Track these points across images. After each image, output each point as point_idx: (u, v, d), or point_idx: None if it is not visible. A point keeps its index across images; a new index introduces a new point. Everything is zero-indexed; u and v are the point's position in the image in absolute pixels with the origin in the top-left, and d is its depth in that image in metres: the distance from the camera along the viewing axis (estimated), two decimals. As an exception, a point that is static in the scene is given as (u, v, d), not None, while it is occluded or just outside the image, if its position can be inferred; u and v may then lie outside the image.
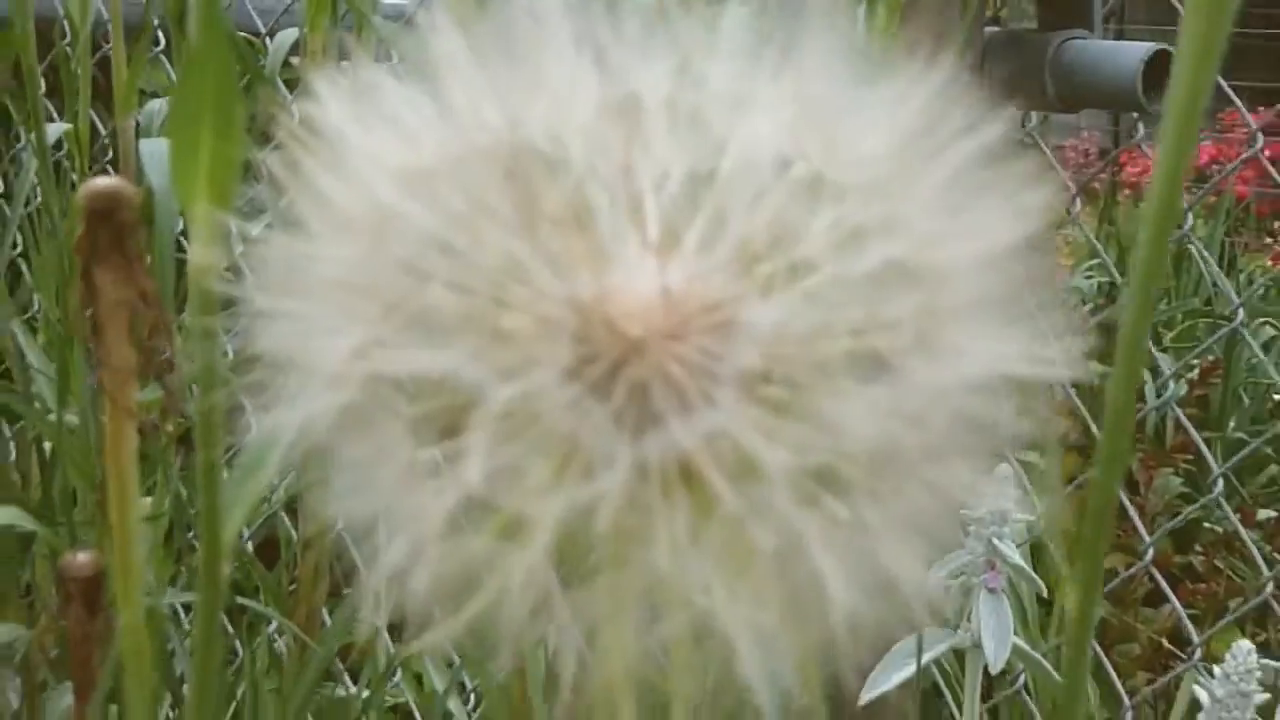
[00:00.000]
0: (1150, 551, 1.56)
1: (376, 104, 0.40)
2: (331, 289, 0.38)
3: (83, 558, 0.71)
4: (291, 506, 1.46)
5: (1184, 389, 2.71)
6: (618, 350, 0.38)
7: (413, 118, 0.40)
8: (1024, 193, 0.39)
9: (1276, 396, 2.91)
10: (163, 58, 1.82)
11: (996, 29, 1.57)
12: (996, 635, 1.05)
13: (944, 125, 0.39)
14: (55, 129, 1.44)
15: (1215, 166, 4.04)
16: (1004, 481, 1.00)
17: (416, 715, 1.58)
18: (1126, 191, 4.53)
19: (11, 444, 1.43)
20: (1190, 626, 1.65)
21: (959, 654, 1.27)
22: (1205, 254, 2.64)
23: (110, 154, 1.68)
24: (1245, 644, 1.05)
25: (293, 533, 1.46)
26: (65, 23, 1.44)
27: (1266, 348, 3.02)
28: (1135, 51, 1.44)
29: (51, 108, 1.66)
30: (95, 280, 0.58)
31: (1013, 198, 0.39)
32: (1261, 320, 3.12)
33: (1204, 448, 1.76)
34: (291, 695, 1.08)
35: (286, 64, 1.29)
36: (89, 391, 1.07)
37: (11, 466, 1.40)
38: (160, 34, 1.72)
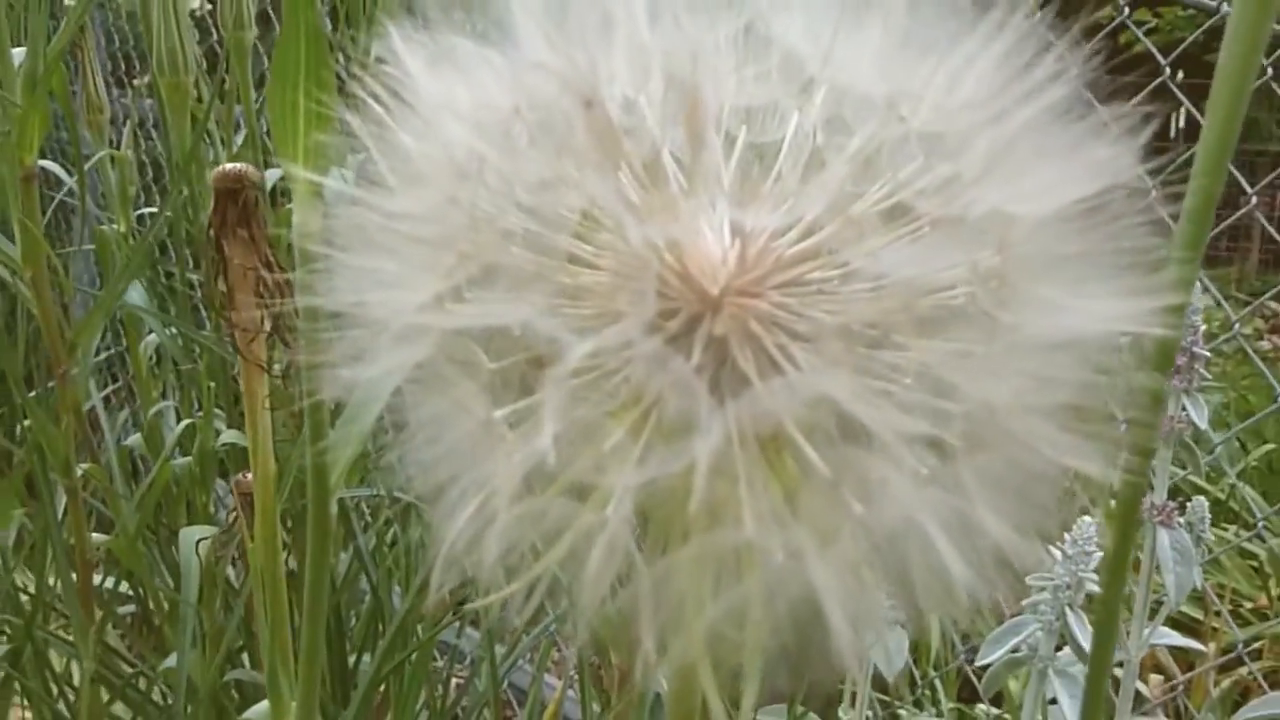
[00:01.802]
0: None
1: (451, 57, 0.26)
2: (404, 241, 0.25)
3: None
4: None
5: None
6: (697, 305, 0.24)
7: (487, 70, 0.26)
8: (1118, 140, 0.25)
9: None
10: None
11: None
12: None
13: (1035, 70, 0.25)
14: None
15: None
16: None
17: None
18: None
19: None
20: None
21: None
22: None
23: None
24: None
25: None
26: None
27: None
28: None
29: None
30: (225, 251, 0.45)
31: (1107, 144, 0.25)
32: None
33: None
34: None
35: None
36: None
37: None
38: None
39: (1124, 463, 0.26)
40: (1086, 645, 0.74)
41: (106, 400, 1.39)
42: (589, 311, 0.24)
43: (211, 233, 0.45)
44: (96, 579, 1.01)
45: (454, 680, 1.09)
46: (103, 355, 1.53)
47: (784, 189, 0.24)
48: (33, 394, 0.86)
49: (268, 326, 0.46)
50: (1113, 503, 0.33)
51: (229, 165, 0.45)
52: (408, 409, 0.25)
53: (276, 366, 0.47)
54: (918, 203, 0.23)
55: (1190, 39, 1.16)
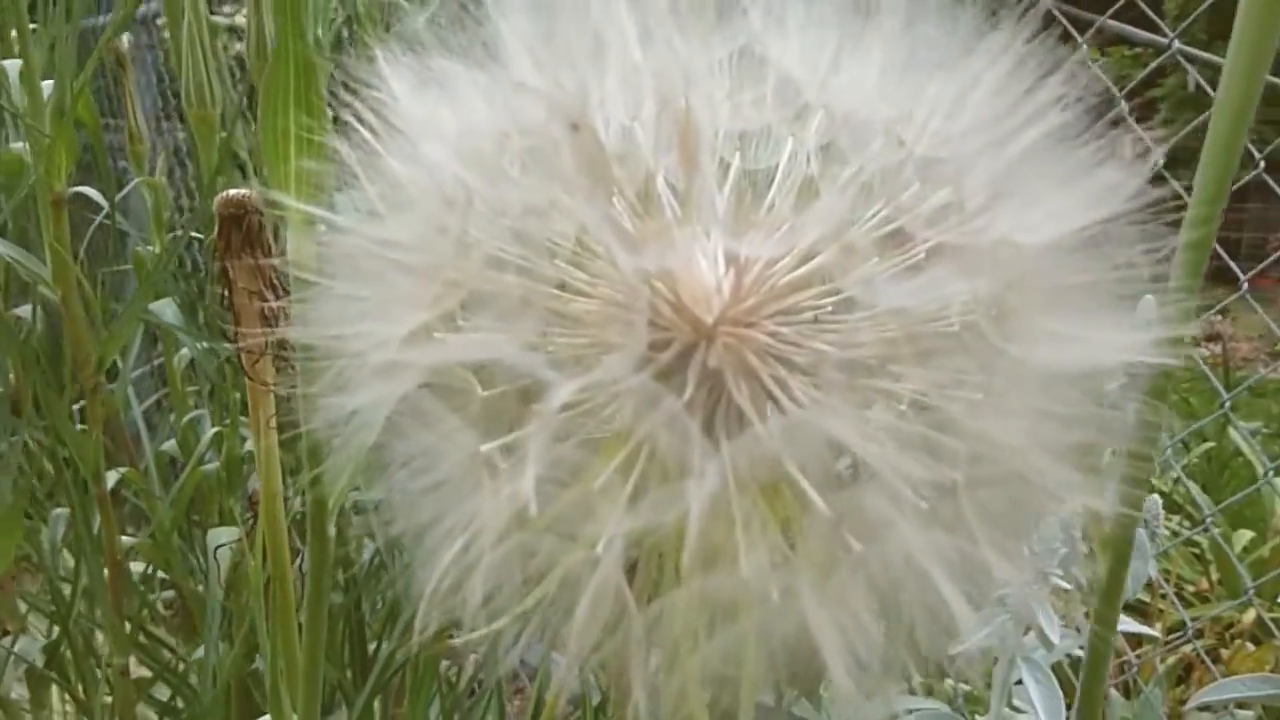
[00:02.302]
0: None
1: (438, 80, 0.23)
2: (391, 269, 0.22)
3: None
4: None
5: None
6: (691, 336, 0.21)
7: (474, 93, 0.23)
8: (1118, 167, 0.21)
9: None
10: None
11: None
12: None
13: (1036, 94, 0.22)
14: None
15: None
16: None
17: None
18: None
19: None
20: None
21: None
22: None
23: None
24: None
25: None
26: None
27: None
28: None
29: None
30: (230, 274, 0.41)
31: (1107, 172, 0.21)
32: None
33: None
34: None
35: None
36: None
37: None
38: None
39: (1123, 496, 0.22)
40: (1052, 635, 0.71)
41: (156, 405, 1.35)
42: (581, 340, 0.21)
43: (217, 257, 0.42)
44: (139, 568, 0.98)
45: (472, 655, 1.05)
46: (147, 367, 1.50)
47: (779, 216, 0.21)
48: (78, 405, 0.83)
49: (273, 348, 0.43)
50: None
51: (232, 191, 0.41)
52: (394, 441, 0.22)
53: (282, 388, 0.44)
54: (917, 229, 0.20)
55: (1140, 76, 1.13)
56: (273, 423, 0.44)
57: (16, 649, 0.95)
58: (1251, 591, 1.14)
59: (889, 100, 0.22)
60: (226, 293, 0.41)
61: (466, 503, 0.20)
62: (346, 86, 0.25)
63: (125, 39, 1.16)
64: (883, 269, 0.21)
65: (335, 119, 0.25)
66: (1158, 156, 0.23)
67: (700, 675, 0.20)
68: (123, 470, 0.93)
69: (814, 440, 0.18)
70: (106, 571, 0.82)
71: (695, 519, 0.17)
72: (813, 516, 0.19)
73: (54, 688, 0.92)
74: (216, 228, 0.40)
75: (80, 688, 0.88)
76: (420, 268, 0.21)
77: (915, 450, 0.19)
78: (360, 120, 0.24)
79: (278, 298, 0.41)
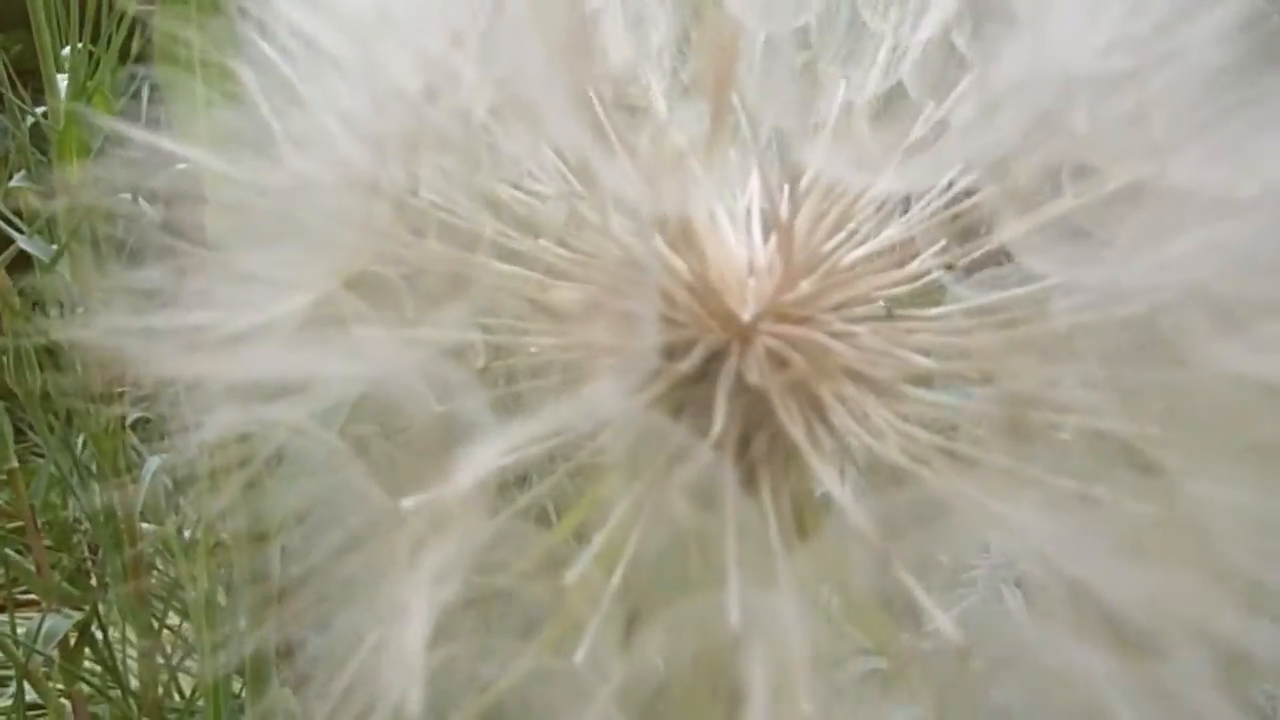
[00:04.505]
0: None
1: None
2: (279, 230, 0.14)
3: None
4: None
5: None
6: (719, 337, 0.13)
7: None
8: None
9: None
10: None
11: None
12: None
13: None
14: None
15: None
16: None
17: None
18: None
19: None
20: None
21: None
22: None
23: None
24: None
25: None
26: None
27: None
28: None
29: None
30: None
31: None
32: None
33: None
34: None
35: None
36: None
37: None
38: None
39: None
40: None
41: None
42: (549, 343, 0.13)
43: None
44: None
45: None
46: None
47: (859, 151, 0.13)
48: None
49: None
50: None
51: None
52: (282, 488, 0.14)
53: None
54: (1103, 162, 0.12)
55: None
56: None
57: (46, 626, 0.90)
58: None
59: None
60: None
61: (386, 579, 0.13)
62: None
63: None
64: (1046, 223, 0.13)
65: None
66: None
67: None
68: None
69: (946, 529, 0.10)
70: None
71: (755, 676, 0.09)
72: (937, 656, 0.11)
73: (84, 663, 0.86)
74: None
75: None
76: (318, 228, 0.14)
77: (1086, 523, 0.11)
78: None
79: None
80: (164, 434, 0.17)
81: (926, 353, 0.14)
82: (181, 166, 0.17)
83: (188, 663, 0.79)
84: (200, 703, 0.71)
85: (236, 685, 0.36)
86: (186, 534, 0.29)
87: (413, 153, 0.14)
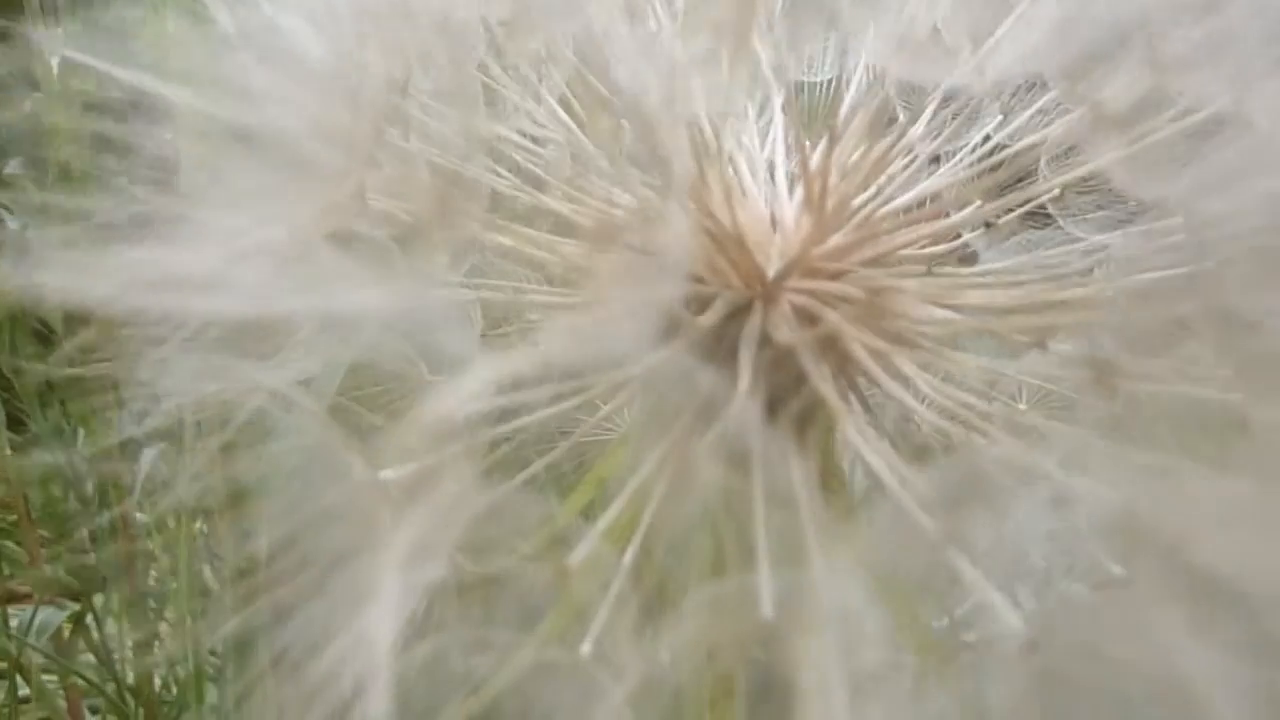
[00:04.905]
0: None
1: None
2: (252, 176, 0.12)
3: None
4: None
5: None
6: (741, 293, 0.12)
7: None
8: None
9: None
10: None
11: None
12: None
13: None
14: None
15: None
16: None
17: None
18: None
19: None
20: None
21: None
22: None
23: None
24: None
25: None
26: None
27: None
28: None
29: None
30: None
31: None
32: None
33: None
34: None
35: None
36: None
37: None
38: None
39: None
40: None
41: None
42: (553, 296, 0.12)
43: None
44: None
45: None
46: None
47: (925, 45, 0.12)
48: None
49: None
50: None
51: None
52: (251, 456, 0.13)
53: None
54: (1178, 88, 0.11)
55: None
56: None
57: (39, 619, 0.89)
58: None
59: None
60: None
61: (356, 562, 0.11)
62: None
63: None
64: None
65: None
66: None
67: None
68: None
69: (1003, 504, 0.09)
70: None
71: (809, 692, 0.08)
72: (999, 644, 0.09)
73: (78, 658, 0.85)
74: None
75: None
76: (299, 165, 0.12)
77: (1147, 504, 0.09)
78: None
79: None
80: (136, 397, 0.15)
81: (975, 312, 0.12)
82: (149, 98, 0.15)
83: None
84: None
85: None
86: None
87: (399, 59, 0.12)
